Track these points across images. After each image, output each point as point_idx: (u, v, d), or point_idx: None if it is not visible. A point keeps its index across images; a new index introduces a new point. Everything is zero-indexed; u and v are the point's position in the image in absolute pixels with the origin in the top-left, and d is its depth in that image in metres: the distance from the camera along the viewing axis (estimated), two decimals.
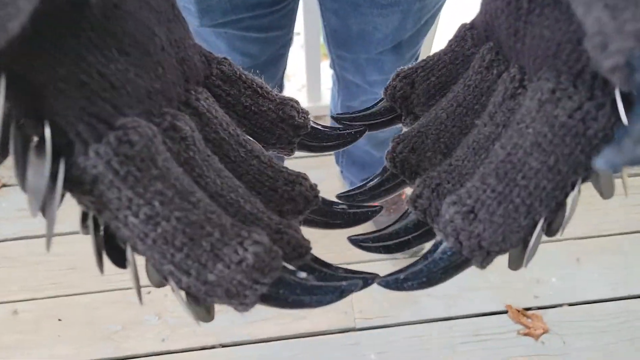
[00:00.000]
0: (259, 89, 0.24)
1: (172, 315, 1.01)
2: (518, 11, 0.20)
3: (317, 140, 0.26)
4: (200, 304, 0.19)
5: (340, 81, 0.82)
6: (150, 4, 0.20)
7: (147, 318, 1.02)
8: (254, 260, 0.18)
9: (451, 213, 0.20)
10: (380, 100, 0.28)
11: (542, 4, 0.19)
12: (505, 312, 1.02)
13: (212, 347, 1.00)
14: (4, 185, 1.18)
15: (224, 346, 1.00)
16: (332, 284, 0.20)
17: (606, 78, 0.16)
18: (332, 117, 0.28)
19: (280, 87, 0.84)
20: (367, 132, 0.28)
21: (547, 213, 0.19)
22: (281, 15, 0.64)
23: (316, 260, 0.22)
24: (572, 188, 0.19)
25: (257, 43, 0.65)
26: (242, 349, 0.99)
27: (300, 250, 0.21)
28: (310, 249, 0.22)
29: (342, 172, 1.13)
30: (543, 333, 1.00)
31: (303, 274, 0.20)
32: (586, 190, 0.20)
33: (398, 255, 0.97)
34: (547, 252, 1.06)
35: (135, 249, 0.18)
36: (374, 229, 0.25)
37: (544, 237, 0.20)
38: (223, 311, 0.20)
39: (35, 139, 0.17)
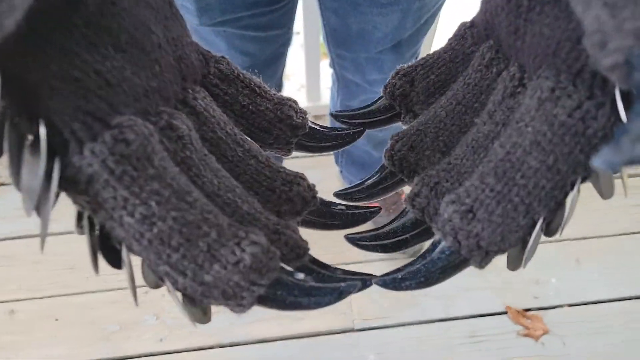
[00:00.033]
0: (256, 88, 0.24)
1: (170, 316, 1.01)
2: (518, 9, 0.20)
3: (315, 140, 0.26)
4: (197, 305, 0.19)
5: (340, 80, 0.82)
6: (147, 0, 0.19)
7: (144, 318, 1.02)
8: (251, 261, 0.18)
9: (450, 212, 0.20)
10: (380, 98, 0.28)
11: (542, 2, 0.19)
12: (505, 312, 1.02)
13: (211, 347, 0.99)
14: (2, 184, 1.18)
15: (222, 346, 0.99)
16: (330, 285, 0.20)
17: (606, 77, 0.16)
18: (331, 115, 0.28)
19: (280, 86, 0.84)
20: (366, 131, 0.27)
21: (546, 213, 0.19)
22: (280, 14, 0.64)
23: (314, 261, 0.22)
24: (572, 188, 0.19)
25: (256, 42, 0.65)
26: (240, 350, 0.99)
27: (298, 251, 0.21)
28: (308, 249, 0.21)
29: (341, 172, 1.13)
30: (543, 334, 1.00)
31: (301, 275, 0.20)
32: (586, 191, 0.20)
33: (397, 255, 0.97)
34: (546, 252, 1.06)
35: (130, 250, 0.18)
36: (372, 227, 0.25)
37: (544, 238, 0.20)
38: (221, 311, 0.19)
39: (30, 137, 0.17)
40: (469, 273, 0.21)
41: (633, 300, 1.03)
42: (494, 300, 1.04)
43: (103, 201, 0.17)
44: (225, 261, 0.18)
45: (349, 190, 0.27)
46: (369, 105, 0.28)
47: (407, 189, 0.24)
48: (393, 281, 0.21)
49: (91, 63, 0.17)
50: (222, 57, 0.24)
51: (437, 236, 0.21)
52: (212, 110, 0.22)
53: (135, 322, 1.02)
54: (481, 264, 0.20)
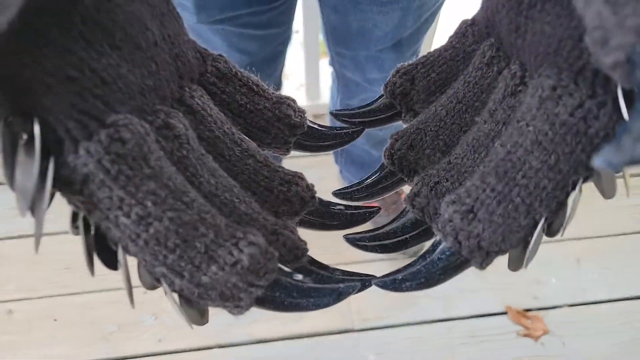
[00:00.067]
0: (254, 86, 0.24)
1: (168, 316, 1.01)
2: (519, 6, 0.20)
3: (314, 139, 0.26)
4: (194, 307, 0.19)
5: (340, 79, 0.82)
6: None
7: (143, 318, 1.02)
8: (249, 262, 0.18)
9: (450, 212, 0.20)
10: (380, 97, 0.27)
11: None
12: (505, 313, 1.02)
13: (210, 347, 0.99)
14: None
15: (221, 347, 0.99)
16: (329, 286, 0.20)
17: (608, 75, 0.16)
18: (331, 114, 0.28)
19: (278, 85, 0.84)
20: (366, 130, 0.27)
21: (548, 213, 0.19)
22: (280, 12, 0.63)
23: (313, 262, 0.22)
24: (574, 188, 0.18)
25: (255, 40, 0.65)
26: (239, 350, 0.99)
27: (296, 252, 0.21)
28: (307, 250, 0.21)
29: (341, 171, 1.13)
30: (543, 334, 1.00)
31: (299, 276, 0.20)
32: (586, 191, 0.19)
33: (397, 254, 0.97)
34: (546, 252, 1.06)
35: (126, 251, 0.18)
36: (372, 227, 0.25)
37: (544, 238, 0.20)
38: (220, 311, 0.19)
39: (24, 136, 0.17)
40: (469, 273, 0.21)
41: (633, 301, 1.03)
42: (494, 301, 1.03)
43: (98, 201, 0.17)
44: (223, 262, 0.17)
45: (348, 190, 0.26)
46: (369, 104, 0.28)
47: (406, 189, 0.24)
48: (393, 282, 0.21)
49: (86, 61, 0.17)
50: (220, 55, 0.24)
51: (437, 237, 0.21)
52: (209, 109, 0.22)
53: (134, 323, 1.01)
54: (482, 265, 0.20)
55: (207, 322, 0.20)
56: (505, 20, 0.21)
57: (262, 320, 1.01)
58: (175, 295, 0.18)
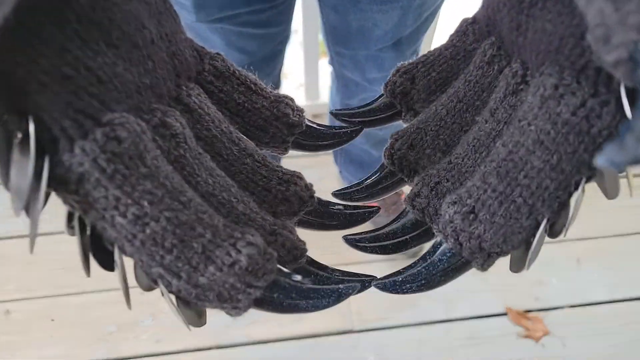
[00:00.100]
0: (252, 85, 0.24)
1: (167, 317, 1.01)
2: (520, 5, 0.20)
3: (312, 139, 0.25)
4: (192, 308, 0.18)
5: (339, 79, 0.81)
6: None
7: (142, 319, 1.01)
8: (247, 263, 0.17)
9: (451, 213, 0.19)
10: (380, 96, 0.27)
11: None
12: (505, 314, 1.02)
13: (209, 348, 0.99)
14: None
15: (220, 347, 0.99)
16: (328, 287, 0.19)
17: (610, 73, 0.15)
18: (331, 113, 0.28)
19: (277, 84, 0.84)
20: (366, 130, 0.27)
21: (550, 214, 0.18)
22: (279, 11, 0.63)
23: (312, 262, 0.21)
24: (576, 188, 0.18)
25: (254, 39, 0.65)
26: (238, 351, 0.99)
27: (295, 253, 0.20)
28: (306, 250, 0.21)
29: (340, 171, 1.13)
30: (543, 335, 0.99)
31: (298, 277, 0.20)
32: (588, 191, 0.19)
33: (397, 255, 0.97)
34: (548, 253, 1.06)
35: (123, 251, 0.17)
36: (372, 228, 0.24)
37: (546, 238, 0.19)
38: (218, 312, 0.19)
39: (19, 135, 0.16)
40: (469, 274, 0.21)
41: (634, 302, 1.03)
42: (494, 302, 1.03)
43: (94, 201, 0.16)
44: (221, 263, 0.17)
45: (347, 190, 0.26)
46: (369, 104, 0.27)
47: (407, 189, 0.24)
48: (393, 284, 0.21)
49: (82, 59, 0.17)
50: (217, 53, 0.24)
51: (438, 238, 0.21)
52: (206, 107, 0.21)
53: (133, 323, 1.01)
54: (483, 266, 0.19)
55: (205, 323, 0.19)
56: (506, 19, 0.21)
57: (260, 321, 1.01)
58: (173, 297, 0.18)
